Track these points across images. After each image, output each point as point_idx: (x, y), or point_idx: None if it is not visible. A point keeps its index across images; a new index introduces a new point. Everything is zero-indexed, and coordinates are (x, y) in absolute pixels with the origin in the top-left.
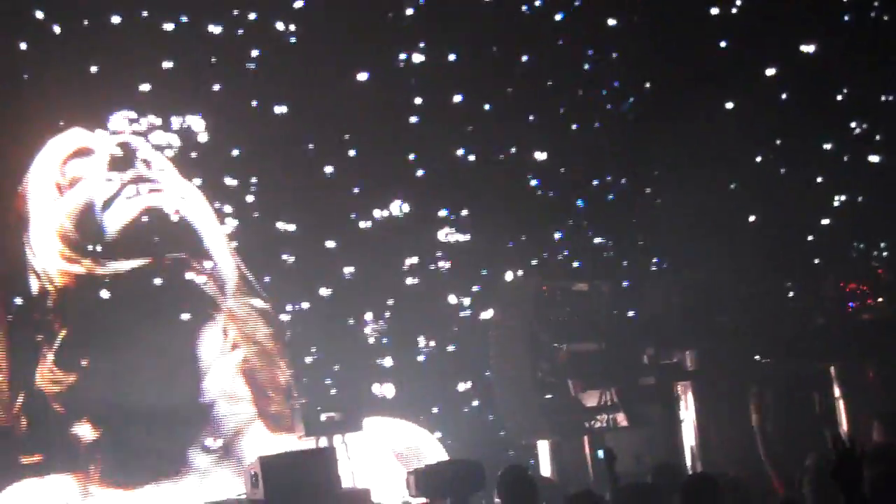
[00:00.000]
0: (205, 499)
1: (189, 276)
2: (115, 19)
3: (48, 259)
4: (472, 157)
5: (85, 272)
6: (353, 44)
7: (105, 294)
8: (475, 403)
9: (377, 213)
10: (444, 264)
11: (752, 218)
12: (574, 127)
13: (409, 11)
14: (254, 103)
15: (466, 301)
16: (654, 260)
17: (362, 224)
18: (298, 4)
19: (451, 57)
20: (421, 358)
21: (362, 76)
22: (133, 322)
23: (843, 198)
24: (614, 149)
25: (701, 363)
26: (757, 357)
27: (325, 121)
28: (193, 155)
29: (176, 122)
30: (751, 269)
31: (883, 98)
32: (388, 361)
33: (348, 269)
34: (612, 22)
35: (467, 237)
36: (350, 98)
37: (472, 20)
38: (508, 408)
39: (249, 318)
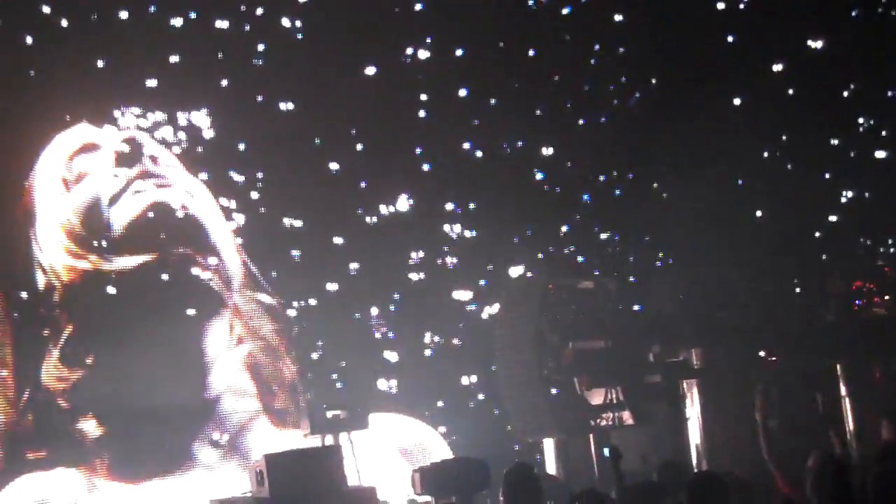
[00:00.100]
0: (210, 493)
1: (195, 271)
2: (123, 14)
3: (55, 254)
4: (478, 153)
5: (91, 268)
6: (360, 39)
7: (111, 290)
8: (481, 397)
9: (383, 209)
10: (451, 259)
11: (758, 213)
12: (581, 122)
13: (418, 7)
14: (260, 98)
15: (468, 295)
16: (660, 254)
17: (368, 219)
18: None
19: (458, 52)
20: (428, 353)
21: (370, 70)
22: (139, 318)
23: (849, 194)
24: (621, 144)
25: (707, 361)
26: (762, 354)
27: (331, 116)
28: (200, 150)
29: (182, 117)
30: (757, 266)
31: (890, 93)
32: (393, 357)
33: (354, 265)
34: (618, 18)
35: (473, 233)
36: (356, 93)
37: (478, 14)
38: (514, 406)
39: (255, 313)
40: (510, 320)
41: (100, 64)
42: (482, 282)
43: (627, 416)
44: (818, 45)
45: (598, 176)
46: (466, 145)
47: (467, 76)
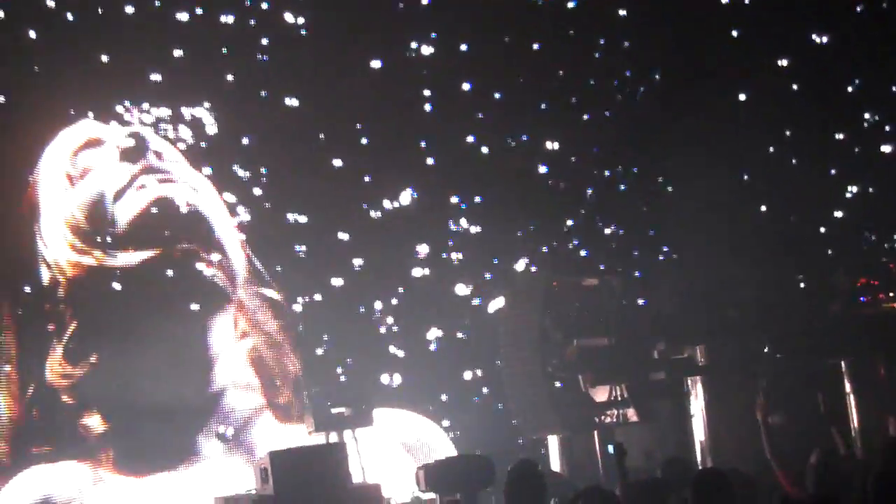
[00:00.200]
0: (215, 487)
1: (199, 267)
2: (129, 9)
3: (59, 250)
4: (483, 148)
5: (96, 263)
6: (364, 34)
7: (116, 285)
8: (485, 391)
9: (388, 204)
10: (456, 254)
11: (763, 209)
12: (585, 117)
13: (423, 1)
14: (264, 94)
15: (470, 290)
16: (664, 249)
17: (373, 214)
18: None
19: (463, 47)
20: (432, 347)
21: (375, 63)
22: (143, 313)
23: (854, 189)
24: (625, 139)
25: (711, 358)
26: (766, 350)
27: (335, 111)
28: (204, 146)
29: (187, 112)
30: (761, 262)
31: (894, 88)
32: (399, 352)
33: (358, 261)
34: (622, 12)
35: (478, 228)
36: (361, 88)
37: (483, 9)
38: (519, 403)
39: (259, 308)
40: (514, 317)
41: (104, 59)
42: (487, 275)
43: (632, 413)
44: (823, 40)
45: (603, 171)
46: (471, 140)
47: (471, 71)
